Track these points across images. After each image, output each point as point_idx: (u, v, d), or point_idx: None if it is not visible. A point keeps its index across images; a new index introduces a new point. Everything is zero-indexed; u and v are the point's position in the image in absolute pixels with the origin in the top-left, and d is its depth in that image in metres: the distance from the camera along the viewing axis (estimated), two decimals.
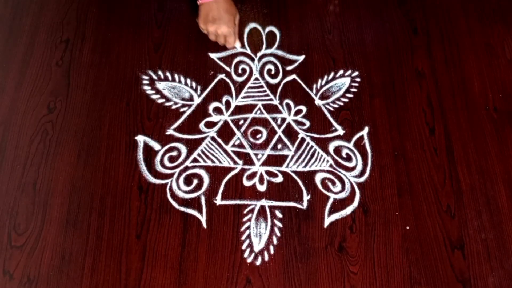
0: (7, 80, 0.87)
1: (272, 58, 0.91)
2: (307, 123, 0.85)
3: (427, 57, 0.92)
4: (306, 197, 0.79)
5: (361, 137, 0.84)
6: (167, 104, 0.86)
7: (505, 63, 0.92)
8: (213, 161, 0.82)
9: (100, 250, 0.75)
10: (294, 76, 0.90)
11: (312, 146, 0.83)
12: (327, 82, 0.89)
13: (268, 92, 0.88)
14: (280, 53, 0.92)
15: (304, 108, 0.87)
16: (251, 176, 0.81)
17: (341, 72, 0.90)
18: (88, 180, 0.80)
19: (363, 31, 0.95)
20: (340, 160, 0.82)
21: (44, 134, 0.83)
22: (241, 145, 0.83)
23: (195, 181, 0.80)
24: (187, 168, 0.81)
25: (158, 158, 0.82)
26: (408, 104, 0.88)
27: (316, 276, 0.74)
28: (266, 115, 0.86)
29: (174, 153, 0.82)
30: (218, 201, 0.79)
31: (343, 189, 0.80)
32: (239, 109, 0.86)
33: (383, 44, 0.93)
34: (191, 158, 0.82)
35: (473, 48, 0.93)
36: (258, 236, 0.76)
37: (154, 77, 0.88)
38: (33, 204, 0.78)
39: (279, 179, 0.81)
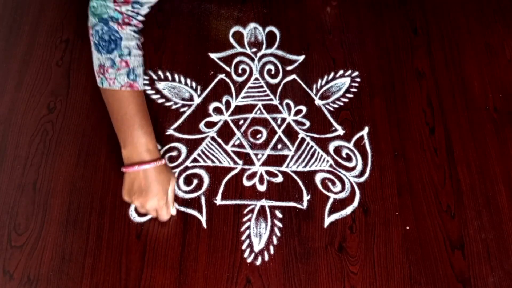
0: (7, 80, 0.87)
1: (272, 58, 0.91)
2: (307, 123, 0.85)
3: (427, 57, 0.92)
4: (306, 197, 0.79)
5: (361, 137, 0.84)
6: (167, 104, 0.86)
7: (505, 63, 0.92)
8: (213, 161, 0.82)
9: (100, 250, 0.75)
10: (294, 76, 0.90)
11: (312, 146, 0.83)
12: (327, 82, 0.89)
13: (268, 92, 0.88)
14: (280, 53, 0.92)
15: (304, 108, 0.87)
16: (251, 176, 0.81)
17: (341, 72, 0.90)
18: (88, 180, 0.80)
19: (363, 31, 0.95)
20: (340, 160, 0.82)
21: (44, 134, 0.83)
22: (241, 145, 0.83)
23: (195, 181, 0.80)
24: (187, 168, 0.81)
25: None
26: (408, 104, 0.88)
27: (316, 276, 0.74)
28: (266, 115, 0.86)
29: (174, 153, 0.82)
30: (218, 201, 0.79)
31: (343, 189, 0.80)
32: (239, 109, 0.86)
33: (383, 44, 0.93)
34: (191, 158, 0.82)
35: (473, 48, 0.93)
36: (258, 236, 0.76)
37: (154, 77, 0.88)
38: (33, 204, 0.77)
39: (279, 179, 0.81)
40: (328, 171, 0.82)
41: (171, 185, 0.75)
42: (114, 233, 0.76)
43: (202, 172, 0.81)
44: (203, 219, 0.77)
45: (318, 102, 0.87)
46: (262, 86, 0.89)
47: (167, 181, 0.74)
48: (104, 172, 0.80)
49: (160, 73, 0.89)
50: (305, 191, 0.80)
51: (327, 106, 0.87)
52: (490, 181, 0.81)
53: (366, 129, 0.85)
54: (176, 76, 0.89)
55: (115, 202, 0.78)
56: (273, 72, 0.90)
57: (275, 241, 0.76)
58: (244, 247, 0.75)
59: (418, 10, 0.97)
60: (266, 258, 0.75)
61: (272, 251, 0.75)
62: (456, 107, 0.88)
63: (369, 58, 0.92)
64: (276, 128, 0.85)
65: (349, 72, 0.90)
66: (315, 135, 0.84)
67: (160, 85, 0.88)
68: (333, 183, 0.81)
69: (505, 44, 0.94)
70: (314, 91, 0.88)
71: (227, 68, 0.90)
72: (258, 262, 0.74)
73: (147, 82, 0.88)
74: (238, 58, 0.91)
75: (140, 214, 0.77)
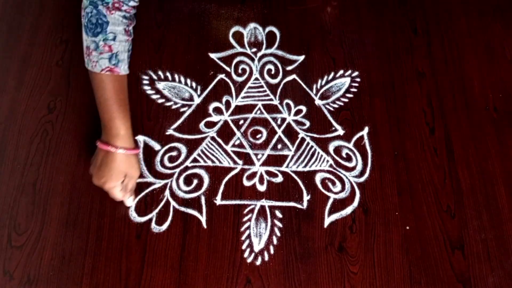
0: (7, 80, 0.87)
1: (272, 58, 0.91)
2: (307, 123, 0.85)
3: (427, 57, 0.92)
4: (306, 197, 0.79)
5: (361, 137, 0.84)
6: (167, 104, 0.86)
7: (505, 63, 0.92)
8: (213, 161, 0.82)
9: (100, 250, 0.75)
10: (294, 76, 0.90)
11: (312, 146, 0.83)
12: (327, 82, 0.89)
13: (268, 92, 0.88)
14: (280, 53, 0.92)
15: (304, 108, 0.87)
16: (251, 176, 0.81)
17: (341, 72, 0.90)
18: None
19: (363, 31, 0.95)
20: (340, 160, 0.82)
21: (44, 134, 0.83)
22: (241, 145, 0.83)
23: (195, 181, 0.80)
24: (187, 168, 0.81)
25: (158, 158, 0.82)
26: (408, 104, 0.88)
27: (316, 276, 0.74)
28: (266, 115, 0.86)
29: (174, 153, 0.82)
30: (218, 201, 0.79)
31: (343, 189, 0.80)
32: (239, 109, 0.86)
33: (383, 44, 0.93)
34: (191, 158, 0.82)
35: (473, 48, 0.93)
36: (258, 236, 0.76)
37: (154, 77, 0.88)
38: (33, 204, 0.77)
39: (279, 179, 0.81)
40: (328, 171, 0.82)
41: (132, 178, 0.76)
42: (114, 233, 0.76)
43: (202, 172, 0.81)
44: (203, 219, 0.77)
45: (318, 102, 0.87)
46: (262, 86, 0.89)
47: (125, 170, 0.74)
48: None
49: (160, 73, 0.89)
50: (305, 191, 0.80)
51: (327, 106, 0.87)
52: (490, 181, 0.81)
53: (366, 129, 0.85)
54: (176, 76, 0.89)
55: (115, 202, 0.78)
56: (273, 72, 0.90)
57: (275, 241, 0.76)
58: (244, 247, 0.75)
59: (418, 10, 0.97)
60: (266, 258, 0.75)
61: (272, 251, 0.75)
62: (456, 107, 0.88)
63: (369, 58, 0.92)
64: (276, 128, 0.85)
65: (349, 72, 0.90)
66: (315, 135, 0.84)
67: (160, 85, 0.88)
68: (333, 183, 0.81)
69: (505, 44, 0.94)
70: (314, 91, 0.88)
71: (227, 68, 0.90)
72: (258, 262, 0.74)
73: (147, 82, 0.88)
74: (238, 58, 0.91)
75: (140, 214, 0.77)
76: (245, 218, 0.77)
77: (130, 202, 0.78)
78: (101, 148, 0.74)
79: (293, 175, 0.81)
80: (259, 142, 0.84)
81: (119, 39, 0.72)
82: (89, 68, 0.72)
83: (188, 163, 0.81)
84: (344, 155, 0.83)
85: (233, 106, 0.87)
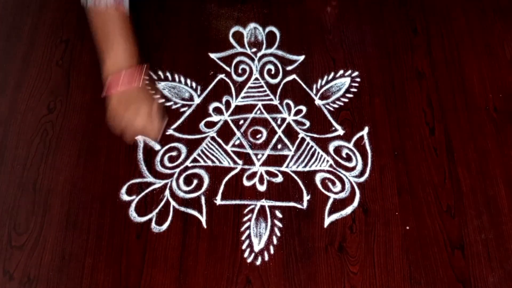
0: (7, 80, 0.87)
1: (272, 58, 0.91)
2: (307, 123, 0.85)
3: (427, 57, 0.92)
4: (306, 197, 0.79)
5: (361, 137, 0.84)
6: (167, 104, 0.86)
7: (505, 63, 0.92)
8: (213, 161, 0.82)
9: (100, 250, 0.75)
10: (294, 76, 0.90)
11: (312, 146, 0.83)
12: (327, 82, 0.89)
13: (268, 92, 0.88)
14: (280, 53, 0.92)
15: (304, 108, 0.87)
16: (251, 176, 0.81)
17: (341, 72, 0.90)
18: (88, 180, 0.80)
19: (363, 31, 0.95)
20: (340, 160, 0.82)
21: (44, 134, 0.83)
22: (241, 145, 0.83)
23: (195, 181, 0.80)
24: (187, 168, 0.81)
25: (158, 158, 0.82)
26: (408, 104, 0.88)
27: (316, 276, 0.74)
28: (266, 115, 0.86)
29: (174, 153, 0.82)
30: (218, 201, 0.79)
31: (343, 189, 0.80)
32: (239, 109, 0.86)
33: (383, 44, 0.93)
34: (191, 158, 0.82)
35: (473, 48, 0.93)
36: (258, 236, 0.76)
37: (154, 77, 0.88)
38: (33, 204, 0.77)
39: (279, 179, 0.81)
40: (328, 171, 0.82)
41: (155, 101, 0.79)
42: (114, 233, 0.76)
43: (202, 172, 0.81)
44: (203, 219, 0.77)
45: (318, 102, 0.87)
46: (262, 86, 0.89)
47: (152, 94, 0.78)
48: (104, 172, 0.80)
49: (160, 73, 0.89)
50: (305, 191, 0.80)
51: (327, 106, 0.87)
52: (490, 181, 0.81)
53: (366, 129, 0.85)
54: (176, 76, 0.89)
55: (115, 202, 0.78)
56: (273, 72, 0.90)
57: (275, 241, 0.76)
58: (244, 247, 0.75)
59: (418, 10, 0.97)
60: (266, 258, 0.75)
61: (272, 251, 0.75)
62: (456, 107, 0.88)
63: (369, 58, 0.92)
64: (276, 128, 0.85)
65: (349, 72, 0.90)
66: (315, 135, 0.84)
67: (160, 85, 0.88)
68: (333, 183, 0.81)
69: (505, 44, 0.94)
70: (314, 91, 0.88)
71: (227, 68, 0.90)
72: (258, 262, 0.74)
73: (147, 82, 0.88)
74: (238, 58, 0.91)
75: (140, 214, 0.77)
76: (245, 218, 0.78)
77: (157, 144, 0.78)
78: (114, 91, 0.73)
79: (293, 175, 0.81)
80: (259, 142, 0.84)
81: None
82: (90, 4, 0.72)
83: (188, 163, 0.81)
84: (344, 155, 0.83)
85: (233, 106, 0.87)
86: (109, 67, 0.76)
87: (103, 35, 0.75)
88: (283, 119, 0.86)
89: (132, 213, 0.77)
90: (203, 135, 0.84)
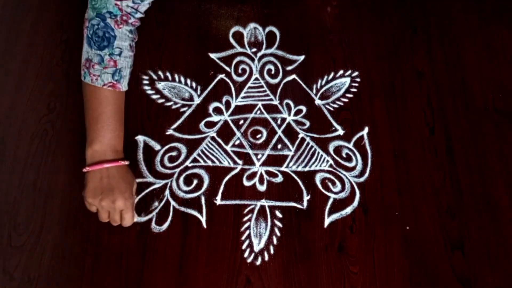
0: (7, 80, 0.87)
1: (272, 58, 0.91)
2: (307, 123, 0.85)
3: (427, 57, 0.92)
4: (306, 197, 0.79)
5: (361, 137, 0.84)
6: (167, 104, 0.86)
7: (505, 63, 0.92)
8: (213, 161, 0.82)
9: (100, 250, 0.75)
10: (294, 76, 0.90)
11: (312, 146, 0.83)
12: (327, 82, 0.89)
13: (268, 92, 0.88)
14: (280, 53, 0.92)
15: (304, 108, 0.87)
16: (251, 176, 0.81)
17: (341, 72, 0.90)
18: None
19: (363, 31, 0.95)
20: (340, 160, 0.82)
21: (44, 134, 0.83)
22: (241, 145, 0.83)
23: (195, 181, 0.80)
24: (187, 168, 0.81)
25: (158, 158, 0.82)
26: (408, 104, 0.88)
27: (316, 276, 0.74)
28: (266, 115, 0.86)
29: (174, 153, 0.82)
30: (218, 201, 0.79)
31: (343, 189, 0.80)
32: (239, 109, 0.86)
33: (383, 44, 0.93)
34: (191, 158, 0.82)
35: (473, 48, 0.93)
36: (258, 236, 0.76)
37: (154, 77, 0.88)
38: (33, 204, 0.77)
39: (279, 179, 0.81)
40: (328, 171, 0.82)
41: (134, 186, 0.75)
42: (114, 233, 0.76)
43: (202, 172, 0.81)
44: (203, 219, 0.77)
45: (318, 102, 0.87)
46: (262, 86, 0.89)
47: (132, 181, 0.74)
48: None
49: (160, 73, 0.89)
50: (305, 191, 0.80)
51: (327, 106, 0.87)
52: (490, 181, 0.81)
53: (366, 129, 0.85)
54: (176, 76, 0.89)
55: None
56: (273, 72, 0.90)
57: (275, 241, 0.76)
58: (244, 247, 0.75)
59: (418, 10, 0.97)
60: (266, 258, 0.75)
61: (272, 251, 0.75)
62: (456, 107, 0.88)
63: (369, 58, 0.92)
64: (276, 128, 0.85)
65: (349, 72, 0.90)
66: (315, 135, 0.84)
67: (160, 85, 0.88)
68: (333, 183, 0.81)
69: (505, 44, 0.94)
70: (314, 91, 0.88)
71: (227, 68, 0.90)
72: (258, 262, 0.74)
73: (147, 82, 0.88)
74: (238, 58, 0.91)
75: (140, 214, 0.77)
76: (245, 218, 0.78)
77: (136, 217, 0.76)
78: (104, 168, 0.69)
79: (293, 175, 0.81)
80: (259, 142, 0.84)
81: (125, 54, 0.71)
82: (87, 81, 0.70)
83: (188, 163, 0.81)
84: (344, 155, 0.83)
85: (233, 106, 0.87)
86: (92, 153, 0.71)
87: (95, 114, 0.71)
88: (283, 119, 0.86)
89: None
90: (203, 135, 0.84)
